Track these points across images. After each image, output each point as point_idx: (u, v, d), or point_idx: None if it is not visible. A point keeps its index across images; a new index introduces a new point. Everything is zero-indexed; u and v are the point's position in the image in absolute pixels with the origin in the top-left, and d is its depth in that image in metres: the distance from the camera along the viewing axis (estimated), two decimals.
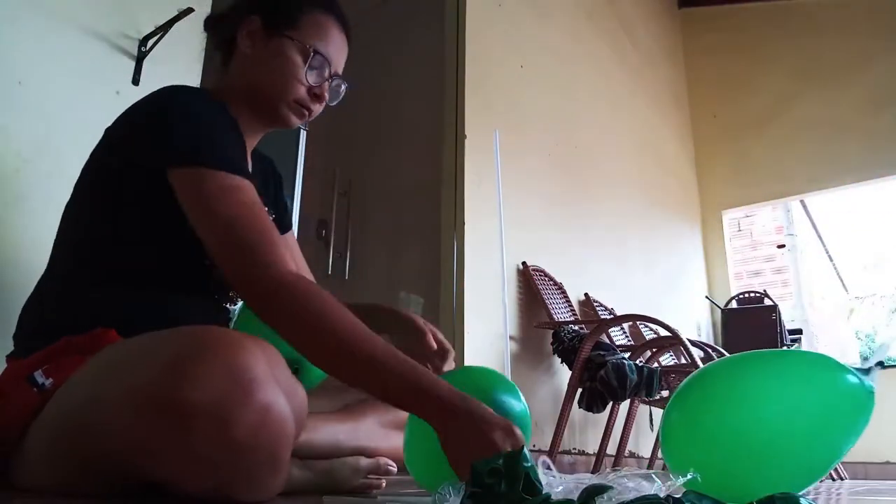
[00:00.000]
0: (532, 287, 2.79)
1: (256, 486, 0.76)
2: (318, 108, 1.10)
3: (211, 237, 0.87)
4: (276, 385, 0.72)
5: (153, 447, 0.71)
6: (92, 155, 1.03)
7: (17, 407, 0.85)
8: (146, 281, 0.99)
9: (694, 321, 4.55)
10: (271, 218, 1.20)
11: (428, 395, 0.74)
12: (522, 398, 0.93)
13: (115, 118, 1.03)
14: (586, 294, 3.27)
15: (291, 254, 1.27)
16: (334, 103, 1.14)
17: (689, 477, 0.62)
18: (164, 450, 0.71)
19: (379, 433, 1.13)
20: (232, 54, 1.10)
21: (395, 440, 1.15)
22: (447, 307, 2.47)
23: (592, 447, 2.88)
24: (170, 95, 0.97)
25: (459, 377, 0.96)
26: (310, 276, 1.21)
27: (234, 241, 0.85)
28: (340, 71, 1.12)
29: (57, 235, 1.03)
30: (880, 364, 0.72)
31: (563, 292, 2.98)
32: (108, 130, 1.03)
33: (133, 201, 0.96)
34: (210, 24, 1.17)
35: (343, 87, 1.13)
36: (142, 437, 0.71)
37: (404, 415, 1.18)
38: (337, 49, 1.10)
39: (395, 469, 1.10)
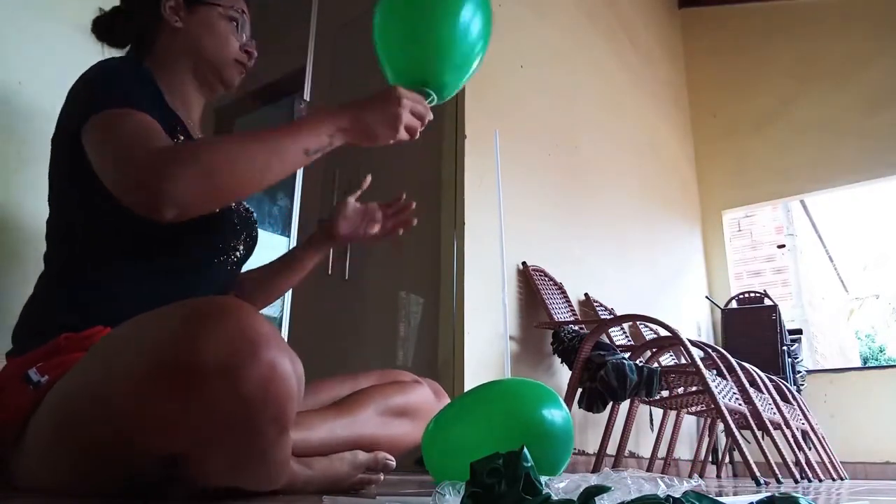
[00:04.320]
0: (532, 287, 2.79)
1: (265, 449, 0.77)
2: (250, 65, 1.19)
3: (105, 166, 0.89)
4: (281, 343, 0.75)
5: (166, 416, 0.72)
6: (52, 151, 1.05)
7: (12, 405, 0.85)
8: (135, 271, 0.99)
9: (694, 321, 4.55)
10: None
11: (333, 118, 0.94)
12: (565, 407, 0.93)
13: None
14: (586, 294, 3.27)
15: None
16: (252, 62, 1.20)
17: (692, 482, 0.62)
18: (177, 417, 0.71)
19: (377, 422, 1.14)
20: (156, 34, 1.14)
21: (393, 428, 1.15)
22: (447, 307, 2.47)
23: (592, 447, 2.88)
24: (94, 67, 1.02)
25: (499, 388, 0.97)
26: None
27: (121, 162, 0.86)
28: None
29: (46, 235, 1.05)
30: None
31: (563, 292, 2.98)
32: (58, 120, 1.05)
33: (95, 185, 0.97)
34: (119, 17, 1.18)
35: (254, 44, 1.20)
36: (154, 406, 0.72)
37: (403, 403, 1.20)
38: (246, 12, 1.20)
39: (394, 464, 1.10)
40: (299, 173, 2.66)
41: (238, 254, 1.13)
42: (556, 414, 0.90)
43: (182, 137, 1.05)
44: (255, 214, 1.21)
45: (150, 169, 0.83)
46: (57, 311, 0.96)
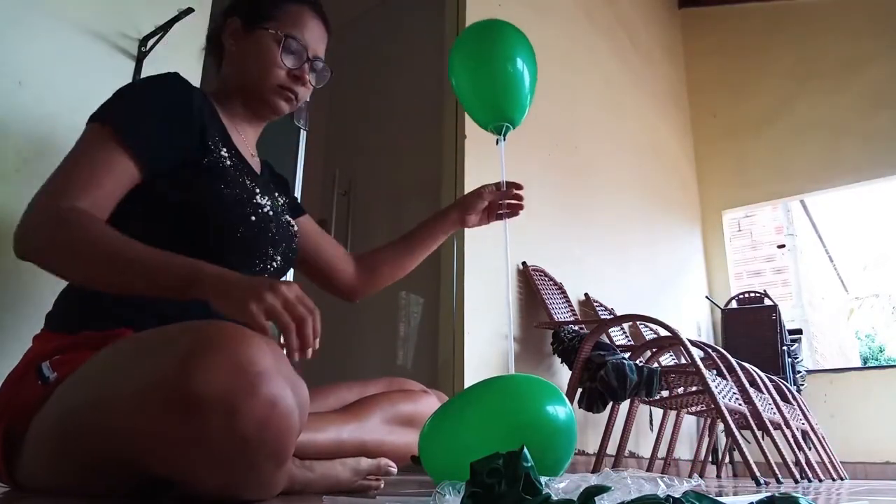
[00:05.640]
0: (532, 287, 2.79)
1: (262, 480, 0.76)
2: (303, 92, 1.16)
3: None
4: (282, 378, 0.73)
5: (162, 444, 0.71)
6: None
7: (27, 399, 0.85)
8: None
9: (694, 321, 4.55)
10: (284, 201, 1.21)
11: (200, 269, 0.82)
12: (568, 404, 0.93)
13: None
14: (586, 294, 3.27)
15: (309, 232, 1.29)
16: (320, 86, 1.20)
17: (692, 482, 0.62)
18: (174, 446, 0.71)
19: (383, 430, 1.14)
20: (222, 57, 1.17)
21: (399, 436, 1.16)
22: (447, 307, 2.47)
23: (592, 447, 2.88)
24: (144, 78, 1.05)
25: (503, 384, 0.97)
26: (347, 261, 1.34)
27: (47, 182, 0.92)
28: (321, 55, 1.19)
29: None
30: None
31: (563, 292, 2.98)
32: None
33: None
34: (209, 35, 1.23)
35: (327, 70, 1.19)
36: (151, 434, 0.71)
37: (410, 411, 1.20)
38: (313, 35, 1.16)
39: (395, 470, 1.10)
40: (299, 173, 2.66)
41: (275, 265, 1.11)
42: (559, 410, 0.90)
43: (224, 152, 1.05)
44: (295, 228, 1.19)
45: (37, 210, 0.89)
46: (84, 306, 0.96)
